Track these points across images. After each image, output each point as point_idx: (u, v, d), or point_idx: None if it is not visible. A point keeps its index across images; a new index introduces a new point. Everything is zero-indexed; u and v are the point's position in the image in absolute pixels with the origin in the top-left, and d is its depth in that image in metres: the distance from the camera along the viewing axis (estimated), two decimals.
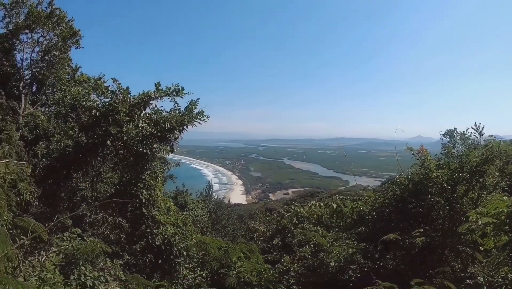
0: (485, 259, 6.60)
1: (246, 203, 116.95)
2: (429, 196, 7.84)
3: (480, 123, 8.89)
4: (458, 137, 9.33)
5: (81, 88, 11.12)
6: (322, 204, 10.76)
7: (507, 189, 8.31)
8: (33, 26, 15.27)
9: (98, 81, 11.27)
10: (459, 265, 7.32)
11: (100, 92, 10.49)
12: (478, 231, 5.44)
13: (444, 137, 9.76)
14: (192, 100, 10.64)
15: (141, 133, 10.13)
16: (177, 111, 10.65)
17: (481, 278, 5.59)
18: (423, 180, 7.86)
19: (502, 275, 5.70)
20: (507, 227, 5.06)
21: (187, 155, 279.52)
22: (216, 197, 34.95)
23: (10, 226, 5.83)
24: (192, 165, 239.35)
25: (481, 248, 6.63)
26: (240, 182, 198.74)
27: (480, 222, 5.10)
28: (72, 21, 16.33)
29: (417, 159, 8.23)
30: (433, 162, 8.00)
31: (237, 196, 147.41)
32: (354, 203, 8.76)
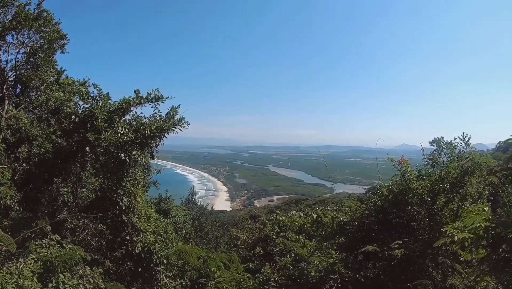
0: (465, 270, 6.68)
1: (231, 209, 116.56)
2: (409, 207, 7.90)
3: (467, 134, 9.02)
4: (444, 146, 9.43)
5: (62, 93, 11.00)
6: (302, 214, 10.78)
7: (491, 198, 8.45)
8: (19, 27, 15.03)
9: (81, 86, 11.17)
10: (440, 276, 7.38)
11: (81, 98, 10.37)
12: (456, 245, 5.46)
13: (432, 145, 9.85)
14: (173, 106, 10.56)
15: (121, 140, 10.04)
16: (157, 118, 10.56)
17: None
18: (404, 191, 7.91)
19: (482, 288, 5.77)
20: (485, 242, 5.07)
21: (172, 161, 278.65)
22: (200, 203, 34.73)
23: None
24: (178, 171, 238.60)
25: (461, 259, 6.71)
26: (225, 188, 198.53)
27: (456, 238, 5.11)
28: (59, 24, 16.11)
29: (398, 170, 8.31)
30: (414, 173, 8.08)
31: (222, 202, 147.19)
32: (335, 213, 8.80)
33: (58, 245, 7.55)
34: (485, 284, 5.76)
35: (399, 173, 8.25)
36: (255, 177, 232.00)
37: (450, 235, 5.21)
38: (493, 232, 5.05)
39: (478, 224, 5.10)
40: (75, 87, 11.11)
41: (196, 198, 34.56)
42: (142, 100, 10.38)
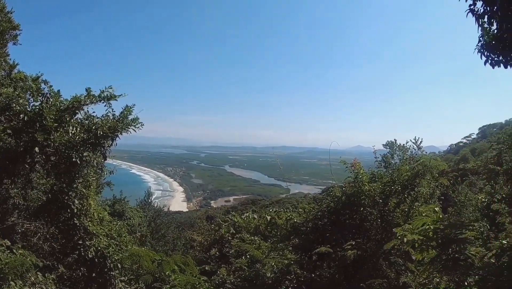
0: (418, 268, 6.91)
1: (187, 210, 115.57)
2: (362, 208, 8.12)
3: (419, 137, 9.33)
4: (397, 149, 9.69)
5: (13, 89, 10.50)
6: (255, 216, 10.83)
7: (442, 197, 8.78)
8: None
9: (33, 82, 10.69)
10: (393, 274, 7.61)
11: (31, 94, 9.94)
12: (406, 246, 5.63)
13: (385, 148, 10.11)
14: (127, 105, 10.26)
15: (72, 140, 9.72)
16: (110, 117, 10.28)
17: (413, 288, 5.83)
18: (356, 192, 8.13)
19: (434, 285, 5.98)
20: (434, 243, 5.27)
21: (127, 160, 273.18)
22: (156, 204, 34.23)
23: None
24: (133, 171, 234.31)
25: (413, 258, 6.95)
26: (181, 189, 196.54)
27: (405, 240, 5.29)
28: (11, 13, 15.26)
29: (351, 172, 8.50)
30: (366, 175, 8.30)
31: (178, 203, 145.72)
32: (289, 214, 8.91)
33: (8, 251, 7.26)
34: (438, 280, 5.97)
35: (352, 175, 8.46)
36: (212, 177, 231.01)
37: (400, 237, 5.38)
38: (442, 234, 5.29)
39: (428, 226, 5.31)
40: (27, 83, 10.59)
41: (152, 199, 34.05)
42: (94, 99, 10.04)
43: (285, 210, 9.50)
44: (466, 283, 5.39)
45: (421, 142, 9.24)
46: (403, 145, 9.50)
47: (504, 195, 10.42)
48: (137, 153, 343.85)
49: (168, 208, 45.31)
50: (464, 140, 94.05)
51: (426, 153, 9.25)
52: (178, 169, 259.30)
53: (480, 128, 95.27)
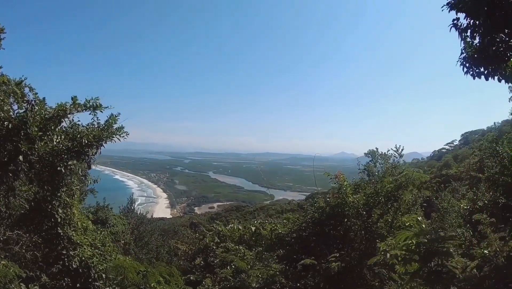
0: (402, 276, 7.01)
1: (171, 216, 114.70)
2: (346, 219, 8.21)
3: (400, 145, 9.48)
4: (379, 158, 9.81)
5: None
6: (240, 227, 10.85)
7: (425, 204, 8.92)
8: None
9: (16, 87, 10.53)
10: (377, 284, 7.70)
11: (16, 100, 9.81)
12: (389, 261, 5.74)
13: (367, 156, 10.24)
14: (112, 114, 10.18)
15: (56, 148, 9.63)
16: (95, 126, 10.20)
17: None
18: (340, 204, 8.22)
19: None
20: (416, 256, 5.39)
21: (110, 166, 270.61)
22: (139, 211, 33.88)
23: None
24: (116, 177, 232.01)
25: (397, 267, 7.05)
26: (165, 195, 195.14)
27: (388, 255, 5.39)
28: None
29: (334, 184, 8.59)
30: (349, 187, 8.40)
31: (162, 209, 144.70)
32: (273, 225, 8.95)
33: None
34: None
35: (336, 186, 8.56)
36: (196, 184, 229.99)
37: (382, 252, 5.49)
38: (424, 247, 5.41)
39: (410, 241, 5.43)
40: (10, 87, 10.42)
41: (135, 205, 33.71)
42: (79, 108, 9.97)
43: (270, 221, 9.51)
44: None
45: (402, 150, 9.40)
46: (385, 153, 9.64)
47: (486, 202, 10.63)
48: (121, 158, 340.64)
49: (152, 215, 44.94)
50: (447, 147, 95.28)
51: (406, 161, 9.38)
52: (162, 175, 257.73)
53: (462, 135, 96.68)
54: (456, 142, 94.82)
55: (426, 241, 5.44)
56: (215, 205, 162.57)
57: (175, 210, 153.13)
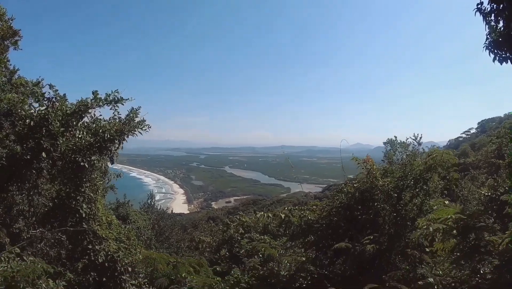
0: (432, 259, 6.90)
1: (188, 212, 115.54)
2: (376, 203, 8.07)
3: (418, 134, 9.32)
4: (398, 146, 9.68)
5: (16, 94, 10.35)
6: (270, 214, 10.79)
7: (445, 192, 8.74)
8: None
9: (35, 87, 10.53)
10: (407, 267, 7.57)
11: (36, 99, 9.80)
12: (429, 236, 5.76)
13: (386, 145, 10.10)
14: (133, 108, 10.15)
15: (79, 144, 9.60)
16: (117, 120, 10.15)
17: (431, 278, 5.80)
18: (369, 188, 8.08)
19: (451, 274, 6.01)
20: (455, 232, 5.37)
21: (127, 164, 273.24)
22: (158, 207, 34.10)
23: None
24: (133, 174, 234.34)
25: (427, 250, 6.93)
26: (182, 191, 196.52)
27: (431, 228, 5.40)
28: (12, 20, 15.20)
29: (363, 168, 8.44)
30: (379, 171, 8.24)
31: (179, 205, 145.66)
32: (302, 212, 8.86)
33: (18, 258, 7.14)
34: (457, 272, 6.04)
35: (364, 171, 8.41)
36: (212, 179, 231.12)
37: (425, 226, 5.53)
38: (461, 222, 5.43)
39: (449, 216, 5.46)
40: (28, 88, 10.45)
41: (154, 201, 33.95)
42: (100, 102, 9.93)
43: (299, 208, 9.40)
44: (481, 272, 5.56)
45: (421, 138, 9.24)
46: (404, 141, 9.50)
47: (507, 188, 10.44)
48: (136, 156, 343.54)
49: (172, 210, 45.26)
50: (464, 135, 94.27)
51: (433, 146, 9.23)
52: (178, 171, 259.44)
53: (479, 123, 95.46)
54: (473, 131, 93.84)
55: (464, 216, 5.58)
56: (232, 199, 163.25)
57: (192, 205, 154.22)
